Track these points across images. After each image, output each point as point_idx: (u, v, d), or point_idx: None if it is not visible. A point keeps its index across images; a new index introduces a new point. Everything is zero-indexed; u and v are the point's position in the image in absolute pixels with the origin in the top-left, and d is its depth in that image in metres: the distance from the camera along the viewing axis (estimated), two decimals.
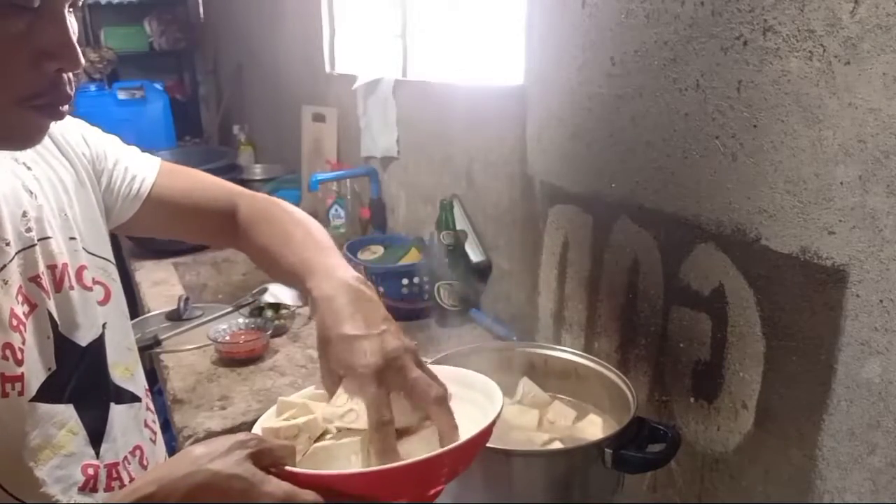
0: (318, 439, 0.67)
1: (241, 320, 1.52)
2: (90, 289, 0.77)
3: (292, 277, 0.78)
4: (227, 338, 1.45)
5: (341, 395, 0.67)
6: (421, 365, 0.68)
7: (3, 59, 0.57)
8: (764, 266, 0.88)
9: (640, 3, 1.02)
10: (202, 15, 4.37)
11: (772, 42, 0.83)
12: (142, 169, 0.89)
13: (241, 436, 0.59)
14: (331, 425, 0.67)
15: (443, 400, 0.65)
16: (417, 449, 0.66)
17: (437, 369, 0.76)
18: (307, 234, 0.83)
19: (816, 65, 0.78)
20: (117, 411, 0.78)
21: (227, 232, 0.93)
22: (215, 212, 0.93)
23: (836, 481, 0.83)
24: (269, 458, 0.59)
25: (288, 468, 0.60)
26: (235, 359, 1.41)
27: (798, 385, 0.85)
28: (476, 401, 0.73)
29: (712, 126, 0.93)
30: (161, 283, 1.89)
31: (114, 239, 0.91)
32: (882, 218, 0.73)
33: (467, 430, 0.67)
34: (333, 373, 0.67)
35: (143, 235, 0.99)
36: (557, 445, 0.94)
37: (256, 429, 0.68)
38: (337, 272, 0.73)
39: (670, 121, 0.99)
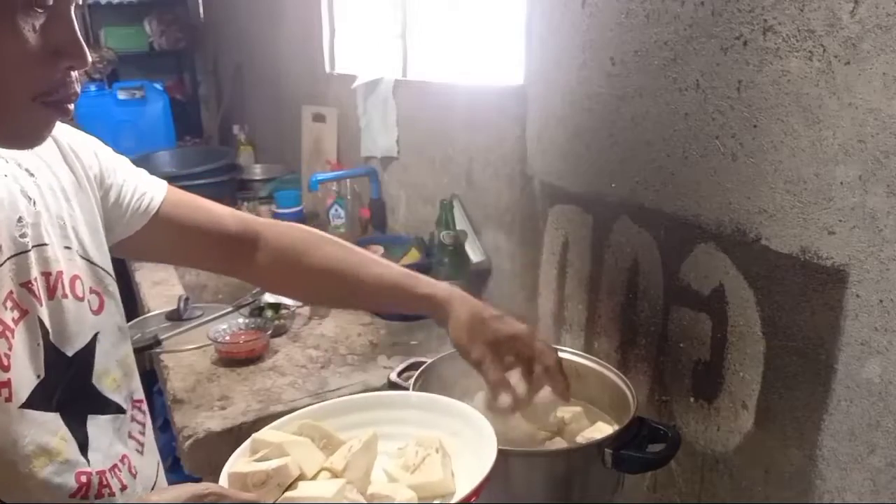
0: (290, 487, 0.66)
1: (241, 320, 1.52)
2: (82, 299, 0.76)
3: (401, 290, 0.93)
4: (227, 338, 1.44)
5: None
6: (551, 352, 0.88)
7: (21, 56, 0.59)
8: (764, 266, 0.88)
9: (640, 3, 1.02)
10: (202, 15, 4.37)
11: (772, 42, 0.83)
12: (150, 188, 0.90)
13: (199, 488, 0.58)
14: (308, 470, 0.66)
15: (557, 366, 0.87)
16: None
17: (439, 400, 0.82)
18: (380, 258, 0.99)
19: (816, 65, 0.78)
20: (98, 422, 0.77)
21: (232, 256, 0.94)
22: (223, 234, 0.93)
23: (836, 481, 0.83)
24: None
25: None
26: (235, 359, 1.41)
27: (798, 385, 0.86)
28: (470, 441, 0.73)
29: (712, 126, 0.93)
30: (161, 283, 1.89)
31: None
32: (882, 218, 0.73)
33: (459, 477, 0.69)
34: (484, 347, 0.85)
35: (147, 258, 0.98)
36: (559, 445, 0.94)
37: (224, 475, 0.67)
38: (456, 291, 0.93)
39: (670, 121, 0.99)
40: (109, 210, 0.84)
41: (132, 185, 0.87)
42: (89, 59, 0.63)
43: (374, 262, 0.96)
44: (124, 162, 0.90)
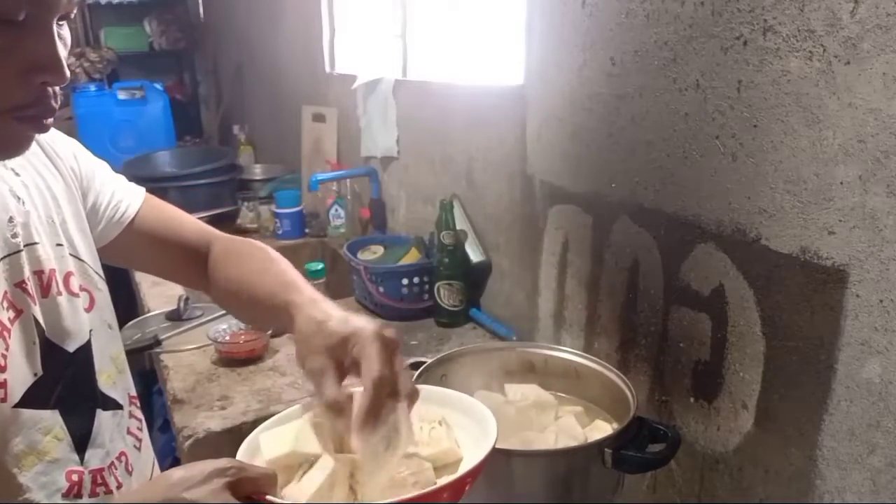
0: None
1: None
2: (77, 295, 0.76)
3: (269, 300, 0.79)
4: (227, 338, 1.45)
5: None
6: (393, 354, 0.67)
7: None
8: (764, 266, 0.88)
9: (640, 3, 1.02)
10: (202, 15, 4.37)
11: (772, 42, 0.83)
12: (127, 196, 0.91)
13: (221, 462, 0.58)
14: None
15: (380, 383, 0.64)
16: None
17: (438, 391, 0.79)
18: (286, 267, 0.85)
19: (816, 65, 0.78)
20: (104, 417, 0.77)
21: (197, 271, 0.94)
22: (189, 249, 0.94)
23: (836, 481, 0.83)
24: (249, 487, 0.58)
25: (268, 497, 0.59)
26: (235, 359, 1.41)
27: (798, 385, 0.86)
28: (470, 430, 0.73)
29: (712, 126, 0.93)
30: (161, 283, 1.89)
31: None
32: (882, 218, 0.73)
33: (463, 460, 0.68)
34: (322, 357, 0.68)
35: (116, 264, 0.94)
36: (561, 444, 0.94)
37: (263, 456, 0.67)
38: (317, 297, 0.76)
39: (670, 121, 0.99)
40: (87, 216, 0.85)
41: (108, 192, 0.88)
42: (67, 75, 0.60)
43: (278, 272, 0.83)
44: (103, 167, 0.90)
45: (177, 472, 0.58)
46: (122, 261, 0.95)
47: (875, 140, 0.73)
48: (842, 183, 0.77)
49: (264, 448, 0.67)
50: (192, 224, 0.96)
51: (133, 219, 0.90)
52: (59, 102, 0.62)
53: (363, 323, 0.69)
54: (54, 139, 0.82)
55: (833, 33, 0.75)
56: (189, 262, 0.94)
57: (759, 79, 0.85)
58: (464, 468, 0.65)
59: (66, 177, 0.81)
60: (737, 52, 0.87)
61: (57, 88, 0.61)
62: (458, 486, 0.63)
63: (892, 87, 0.71)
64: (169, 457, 1.65)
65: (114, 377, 0.81)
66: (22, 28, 0.57)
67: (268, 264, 0.86)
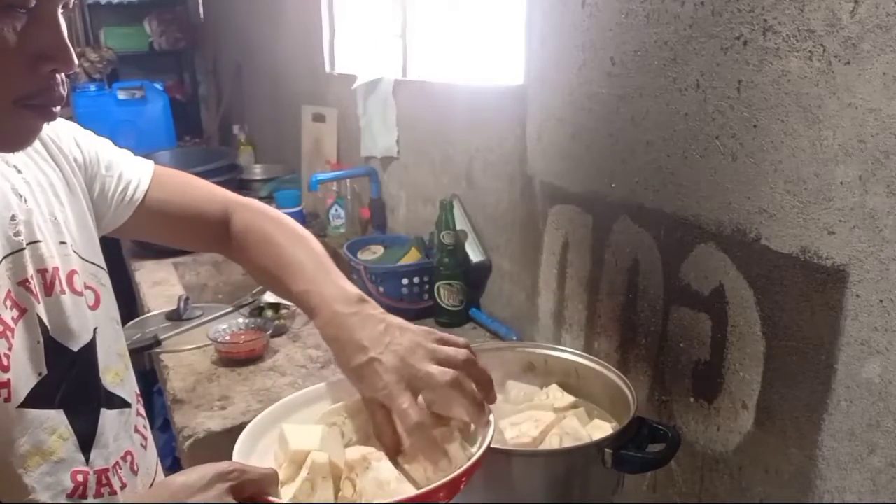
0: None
1: (241, 320, 1.52)
2: (81, 294, 0.76)
3: (297, 305, 0.82)
4: (227, 338, 1.44)
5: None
6: (434, 348, 0.73)
7: (0, 59, 0.57)
8: (764, 266, 0.88)
9: (640, 3, 1.02)
10: (202, 15, 4.37)
11: (772, 42, 0.83)
12: (135, 174, 0.89)
13: (222, 466, 0.58)
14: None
15: (455, 382, 0.70)
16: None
17: None
18: (305, 254, 0.85)
19: (816, 65, 0.78)
20: (108, 417, 0.77)
21: (217, 241, 0.94)
22: (207, 220, 0.94)
23: (836, 481, 0.83)
24: (251, 489, 0.59)
25: (270, 499, 0.60)
26: (235, 359, 1.41)
27: (798, 385, 0.86)
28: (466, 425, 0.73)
29: (712, 126, 0.93)
30: (161, 283, 1.89)
31: (114, 239, 0.90)
32: (882, 218, 0.73)
33: (458, 457, 0.69)
34: (371, 401, 0.73)
35: (134, 239, 0.96)
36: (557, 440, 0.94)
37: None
38: (335, 303, 0.77)
39: (670, 121, 0.99)
40: (95, 202, 0.84)
41: (115, 175, 0.87)
42: (75, 62, 0.61)
43: (297, 270, 0.83)
44: (106, 146, 0.89)
45: (178, 479, 0.57)
46: (141, 237, 0.97)
47: (875, 140, 0.73)
48: (842, 183, 0.77)
49: (291, 439, 0.68)
50: (205, 193, 0.95)
51: (143, 198, 0.89)
52: (66, 90, 0.62)
53: (385, 370, 0.70)
54: (55, 130, 0.81)
55: (833, 33, 0.75)
56: (206, 233, 0.94)
57: (759, 79, 0.85)
58: (464, 466, 0.66)
59: (66, 172, 0.80)
60: (737, 52, 0.87)
61: (64, 76, 0.62)
62: (453, 485, 0.64)
63: (892, 87, 0.71)
64: (169, 457, 1.65)
65: (122, 374, 0.81)
66: (29, 16, 0.58)
67: (285, 254, 0.86)
